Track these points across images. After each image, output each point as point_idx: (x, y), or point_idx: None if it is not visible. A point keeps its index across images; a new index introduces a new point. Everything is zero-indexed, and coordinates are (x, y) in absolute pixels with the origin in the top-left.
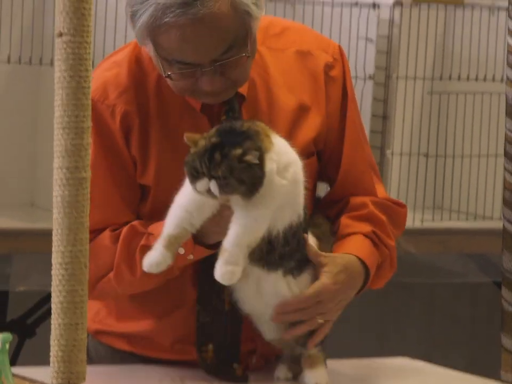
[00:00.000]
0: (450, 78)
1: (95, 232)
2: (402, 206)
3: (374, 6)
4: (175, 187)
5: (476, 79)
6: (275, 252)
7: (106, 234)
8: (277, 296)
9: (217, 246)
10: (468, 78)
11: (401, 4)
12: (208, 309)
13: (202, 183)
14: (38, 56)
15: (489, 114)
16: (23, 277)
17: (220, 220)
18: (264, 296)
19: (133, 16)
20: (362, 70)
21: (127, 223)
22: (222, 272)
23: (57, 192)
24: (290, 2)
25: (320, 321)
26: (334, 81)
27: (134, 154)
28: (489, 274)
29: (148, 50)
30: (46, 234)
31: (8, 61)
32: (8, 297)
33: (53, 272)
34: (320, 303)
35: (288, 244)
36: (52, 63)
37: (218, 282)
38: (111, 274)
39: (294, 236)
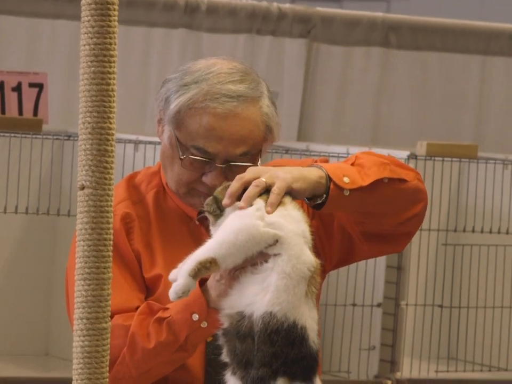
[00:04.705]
0: (464, 230)
1: None
2: None
3: None
4: None
5: (490, 231)
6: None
7: (117, 316)
8: None
9: None
10: (481, 231)
11: (415, 157)
12: None
13: None
14: (56, 207)
15: (504, 266)
16: None
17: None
18: None
19: (170, 97)
20: None
21: (137, 308)
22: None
23: (77, 343)
24: (306, 154)
25: (263, 179)
26: None
27: (136, 248)
28: None
29: (165, 136)
30: (62, 383)
31: (26, 211)
32: None
33: None
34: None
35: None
36: (69, 214)
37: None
38: (125, 350)
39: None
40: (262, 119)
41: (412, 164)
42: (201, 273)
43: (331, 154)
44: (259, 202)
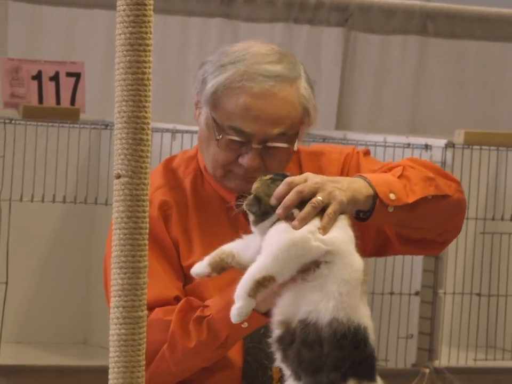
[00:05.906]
0: (502, 218)
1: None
2: None
3: (427, 147)
4: None
5: None
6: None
7: (158, 309)
8: None
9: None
10: None
11: (453, 146)
12: None
13: None
14: (93, 196)
15: None
16: None
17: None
18: None
19: (206, 78)
20: None
21: (176, 298)
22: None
23: (114, 331)
24: (343, 143)
25: (320, 198)
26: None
27: (174, 235)
28: None
29: (202, 118)
30: (100, 371)
31: (64, 200)
32: None
33: None
34: (309, 181)
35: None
36: (106, 203)
37: (264, 357)
38: (165, 347)
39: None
40: (299, 101)
41: (449, 153)
42: (259, 291)
43: (368, 143)
44: (314, 221)
